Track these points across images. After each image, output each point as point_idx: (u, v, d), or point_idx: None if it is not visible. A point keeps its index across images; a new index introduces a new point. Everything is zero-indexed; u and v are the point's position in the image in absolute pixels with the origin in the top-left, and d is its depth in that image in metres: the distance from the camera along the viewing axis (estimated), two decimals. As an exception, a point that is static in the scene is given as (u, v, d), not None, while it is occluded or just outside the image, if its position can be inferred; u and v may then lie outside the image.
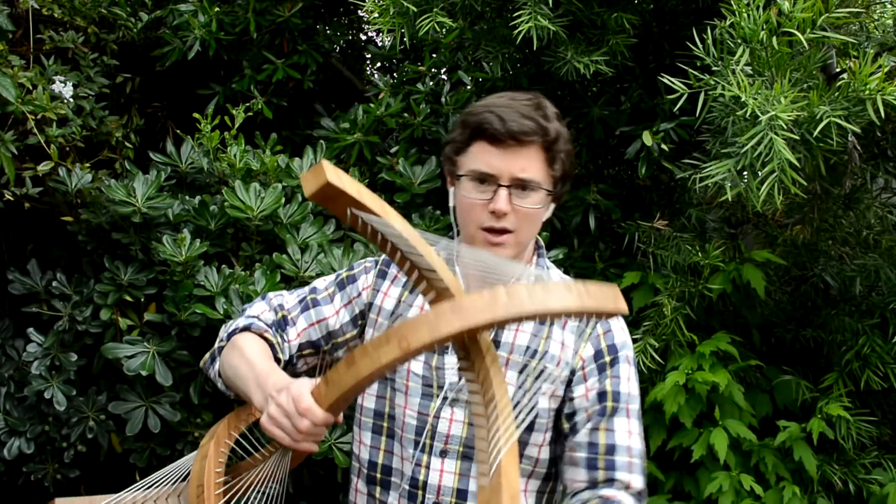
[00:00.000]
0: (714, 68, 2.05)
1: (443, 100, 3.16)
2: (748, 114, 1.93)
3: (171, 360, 2.51)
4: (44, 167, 2.53)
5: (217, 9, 3.12)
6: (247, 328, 1.53)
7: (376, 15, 2.57)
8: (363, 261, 1.62)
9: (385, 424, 1.53)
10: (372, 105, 3.11)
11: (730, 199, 2.04)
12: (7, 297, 2.77)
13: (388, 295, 1.55)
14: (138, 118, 3.10)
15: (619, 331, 1.52)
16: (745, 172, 1.98)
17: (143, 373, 2.44)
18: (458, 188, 1.47)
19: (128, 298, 2.55)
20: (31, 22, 2.77)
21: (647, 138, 2.70)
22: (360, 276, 1.59)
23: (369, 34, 3.84)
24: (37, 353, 2.59)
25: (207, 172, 2.75)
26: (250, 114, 2.84)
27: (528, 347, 1.48)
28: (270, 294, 1.63)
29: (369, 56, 3.81)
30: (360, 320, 1.57)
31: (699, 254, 2.68)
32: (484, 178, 1.43)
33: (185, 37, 3.09)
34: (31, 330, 2.63)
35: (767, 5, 2.01)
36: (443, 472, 1.47)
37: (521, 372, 1.46)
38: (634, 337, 2.55)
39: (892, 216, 2.85)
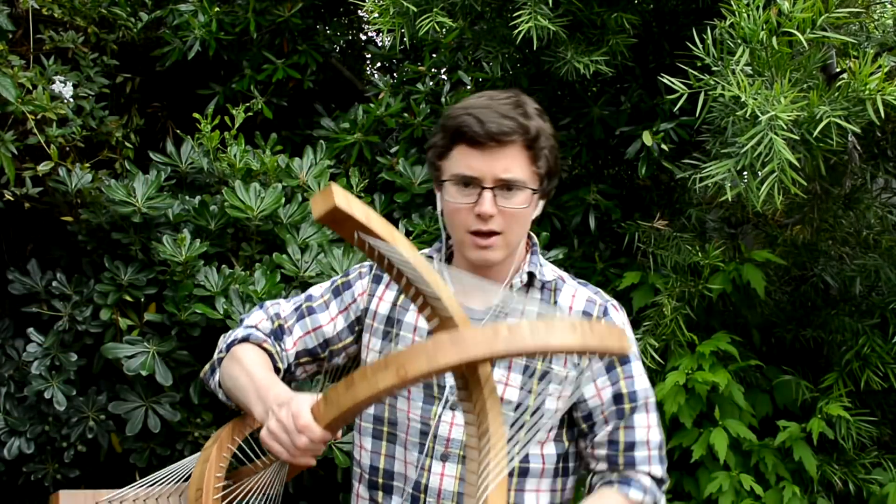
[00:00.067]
0: (714, 68, 2.05)
1: (443, 100, 3.16)
2: (748, 114, 1.93)
3: (171, 360, 2.51)
4: (44, 167, 2.53)
5: (217, 9, 3.12)
6: (245, 339, 1.52)
7: (376, 15, 2.57)
8: (358, 266, 1.61)
9: (386, 429, 1.52)
10: (372, 105, 3.11)
11: (730, 199, 2.04)
12: (7, 297, 2.77)
13: (384, 299, 1.55)
14: (138, 118, 3.10)
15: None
16: (745, 172, 1.98)
17: (143, 373, 2.44)
18: (443, 193, 1.45)
19: (128, 298, 2.55)
20: (31, 22, 2.77)
21: (647, 138, 2.70)
22: (356, 281, 1.58)
23: (369, 34, 3.84)
24: (37, 353, 2.59)
25: (207, 172, 2.75)
26: (250, 114, 2.84)
27: None
28: (267, 302, 1.62)
29: (369, 56, 3.81)
30: (356, 326, 1.57)
31: (699, 254, 2.68)
32: (467, 182, 1.40)
33: (185, 37, 3.09)
34: (31, 330, 2.63)
35: (767, 5, 2.01)
36: (443, 476, 1.46)
37: (524, 373, 1.46)
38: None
39: (892, 216, 2.85)
